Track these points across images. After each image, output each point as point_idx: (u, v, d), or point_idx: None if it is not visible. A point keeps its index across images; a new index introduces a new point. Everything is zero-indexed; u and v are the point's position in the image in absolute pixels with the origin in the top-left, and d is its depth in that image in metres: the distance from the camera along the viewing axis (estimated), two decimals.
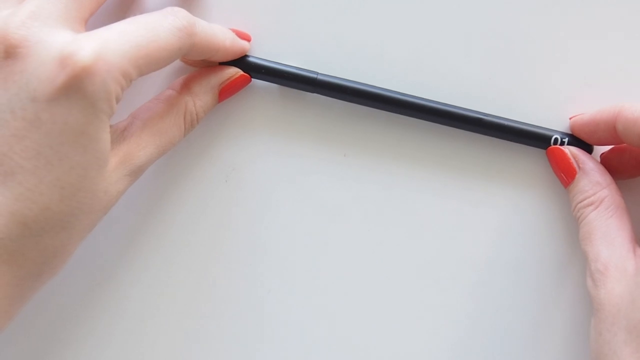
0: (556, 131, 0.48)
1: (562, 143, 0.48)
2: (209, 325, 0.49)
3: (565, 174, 0.46)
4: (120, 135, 0.42)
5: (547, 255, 0.49)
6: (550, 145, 0.48)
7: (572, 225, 0.48)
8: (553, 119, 0.49)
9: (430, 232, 0.49)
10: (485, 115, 0.48)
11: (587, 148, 0.48)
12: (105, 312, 0.49)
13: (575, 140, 0.48)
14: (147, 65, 0.39)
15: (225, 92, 0.47)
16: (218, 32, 0.45)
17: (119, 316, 0.49)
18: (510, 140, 0.48)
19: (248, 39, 0.48)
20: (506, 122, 0.48)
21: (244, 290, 0.49)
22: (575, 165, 0.46)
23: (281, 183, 0.49)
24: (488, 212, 0.49)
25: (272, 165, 0.49)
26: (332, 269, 0.49)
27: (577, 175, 0.46)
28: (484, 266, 0.49)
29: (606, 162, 0.47)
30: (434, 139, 0.49)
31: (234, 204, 0.49)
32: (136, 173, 0.42)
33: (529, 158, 0.49)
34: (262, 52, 0.49)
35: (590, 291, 0.43)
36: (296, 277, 0.49)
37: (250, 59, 0.48)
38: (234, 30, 0.48)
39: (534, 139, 0.48)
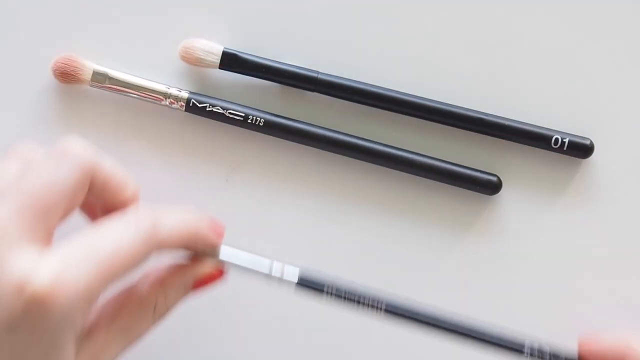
0: (556, 131, 0.48)
1: (563, 144, 0.48)
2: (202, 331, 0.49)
3: None
4: (85, 337, 0.39)
5: None
6: (550, 148, 0.48)
7: None
8: (553, 119, 0.49)
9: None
10: (485, 115, 0.48)
11: None
12: None
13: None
14: (114, 277, 0.37)
15: (199, 285, 0.44)
16: (189, 223, 0.41)
17: None
18: (512, 141, 0.48)
19: (221, 232, 0.44)
20: (506, 122, 0.48)
21: (246, 291, 0.49)
22: None
23: (281, 182, 0.49)
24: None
25: (273, 163, 0.49)
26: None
27: None
28: None
29: None
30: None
31: (235, 204, 0.49)
32: None
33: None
34: (263, 51, 0.49)
35: None
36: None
37: (251, 58, 0.48)
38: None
39: (534, 138, 0.48)
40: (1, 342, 0.35)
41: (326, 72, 0.48)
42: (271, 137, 0.48)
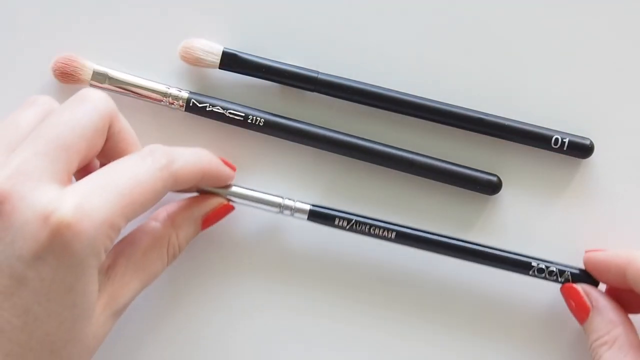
0: (556, 131, 0.48)
1: (563, 144, 0.48)
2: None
3: (579, 312, 0.46)
4: (105, 275, 0.41)
5: None
6: (550, 148, 0.48)
7: None
8: (553, 119, 0.49)
9: None
10: (485, 115, 0.48)
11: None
12: None
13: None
14: (133, 211, 0.39)
15: (208, 221, 0.46)
16: (201, 158, 0.44)
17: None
18: (512, 141, 0.48)
19: (233, 169, 0.47)
20: (506, 122, 0.48)
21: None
22: (588, 303, 0.45)
23: (281, 181, 0.49)
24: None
25: (273, 163, 0.49)
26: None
27: (590, 313, 0.45)
28: None
29: (614, 296, 0.47)
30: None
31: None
32: (121, 311, 0.42)
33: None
34: (263, 51, 0.49)
35: None
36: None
37: (251, 57, 0.48)
38: (220, 159, 0.46)
39: (534, 138, 0.48)
40: (29, 272, 0.37)
41: (326, 72, 0.48)
42: (271, 137, 0.48)
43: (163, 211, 0.45)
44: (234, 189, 0.47)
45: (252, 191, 0.47)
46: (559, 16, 0.49)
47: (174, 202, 0.46)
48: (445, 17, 0.49)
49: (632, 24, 0.49)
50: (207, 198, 0.46)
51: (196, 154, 0.44)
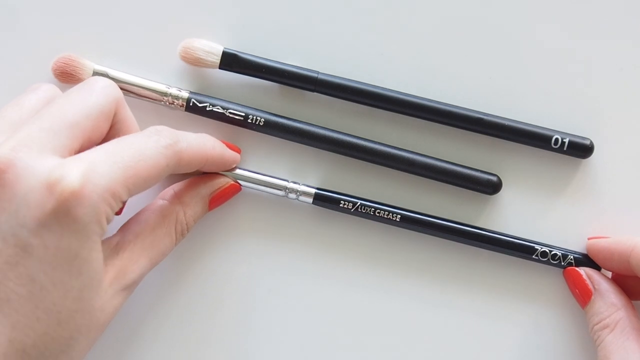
0: (556, 131, 0.48)
1: (563, 144, 0.48)
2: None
3: (581, 295, 0.46)
4: (113, 250, 0.41)
5: None
6: (550, 148, 0.48)
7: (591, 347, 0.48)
8: (553, 119, 0.49)
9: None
10: (485, 115, 0.48)
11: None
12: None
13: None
14: (135, 185, 0.39)
15: (216, 201, 0.47)
16: (205, 143, 0.45)
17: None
18: (512, 141, 0.48)
19: (238, 152, 0.48)
20: (506, 122, 0.48)
21: None
22: (590, 286, 0.46)
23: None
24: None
25: (273, 163, 0.49)
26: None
27: (592, 297, 0.46)
28: None
29: (618, 282, 0.47)
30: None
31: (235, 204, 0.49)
32: (131, 287, 0.42)
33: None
34: (263, 51, 0.49)
35: None
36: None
37: (251, 58, 0.48)
38: (224, 142, 0.47)
39: (534, 138, 0.48)
40: (33, 240, 0.37)
41: (326, 72, 0.48)
42: (271, 137, 0.48)
43: (170, 190, 0.46)
44: (239, 171, 0.47)
45: (257, 174, 0.48)
46: (559, 16, 0.49)
47: (181, 181, 0.46)
48: (445, 17, 0.49)
49: (632, 24, 0.49)
50: (215, 177, 0.47)
51: (200, 138, 0.44)
